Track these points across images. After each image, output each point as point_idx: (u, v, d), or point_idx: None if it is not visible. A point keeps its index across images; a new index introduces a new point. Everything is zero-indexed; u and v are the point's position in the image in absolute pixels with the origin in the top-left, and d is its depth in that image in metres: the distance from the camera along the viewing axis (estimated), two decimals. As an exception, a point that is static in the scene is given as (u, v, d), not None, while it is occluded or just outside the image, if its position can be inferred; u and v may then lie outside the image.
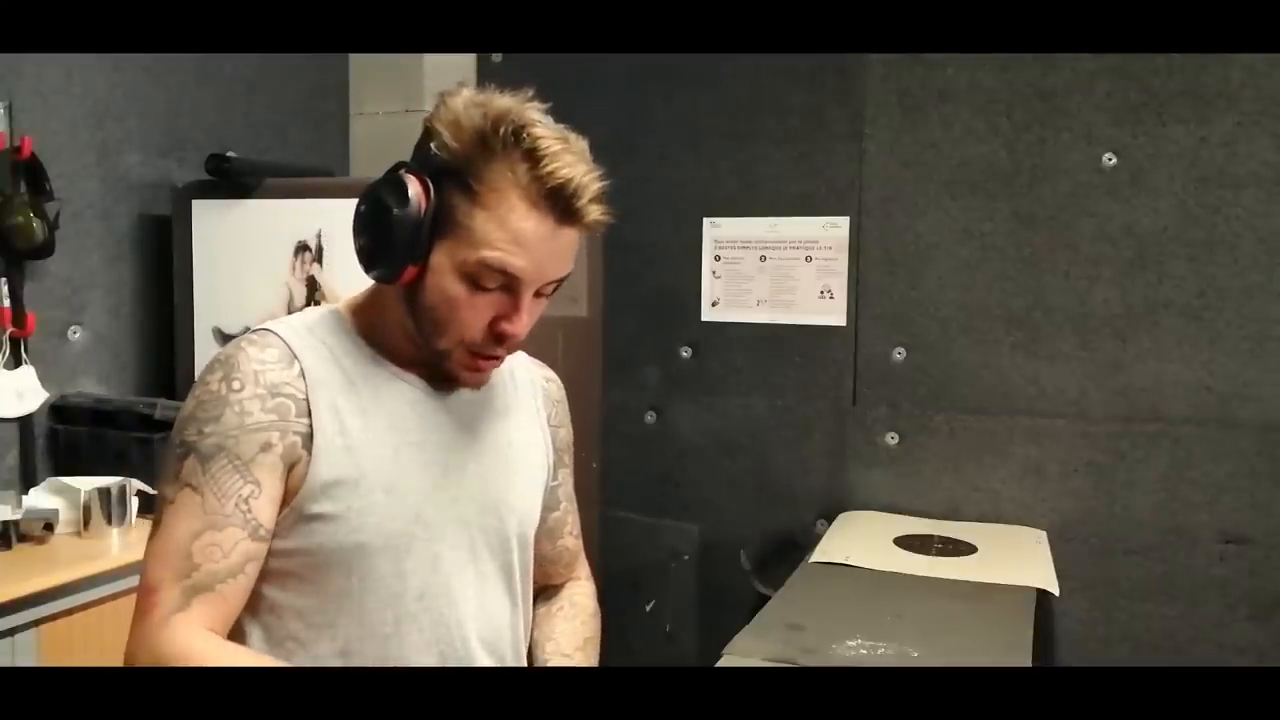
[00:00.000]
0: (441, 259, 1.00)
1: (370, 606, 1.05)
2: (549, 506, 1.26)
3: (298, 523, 1.02)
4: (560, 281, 1.04)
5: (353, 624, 1.05)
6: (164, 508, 1.00)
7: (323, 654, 1.04)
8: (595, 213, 1.00)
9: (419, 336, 1.05)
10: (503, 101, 0.99)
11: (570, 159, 0.97)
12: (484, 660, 1.13)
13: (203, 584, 0.97)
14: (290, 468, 1.01)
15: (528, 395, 1.22)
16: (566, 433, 1.29)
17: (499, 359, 1.07)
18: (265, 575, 1.03)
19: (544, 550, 1.28)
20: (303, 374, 1.03)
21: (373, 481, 1.04)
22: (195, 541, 0.97)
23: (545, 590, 1.32)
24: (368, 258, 1.03)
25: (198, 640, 0.97)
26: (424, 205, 0.98)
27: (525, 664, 1.21)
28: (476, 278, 0.99)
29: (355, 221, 1.03)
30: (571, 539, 1.33)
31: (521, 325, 1.02)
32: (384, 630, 1.06)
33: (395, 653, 1.06)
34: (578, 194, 0.97)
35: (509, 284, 1.00)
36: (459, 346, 1.03)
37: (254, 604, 1.04)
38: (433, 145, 0.99)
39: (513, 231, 0.97)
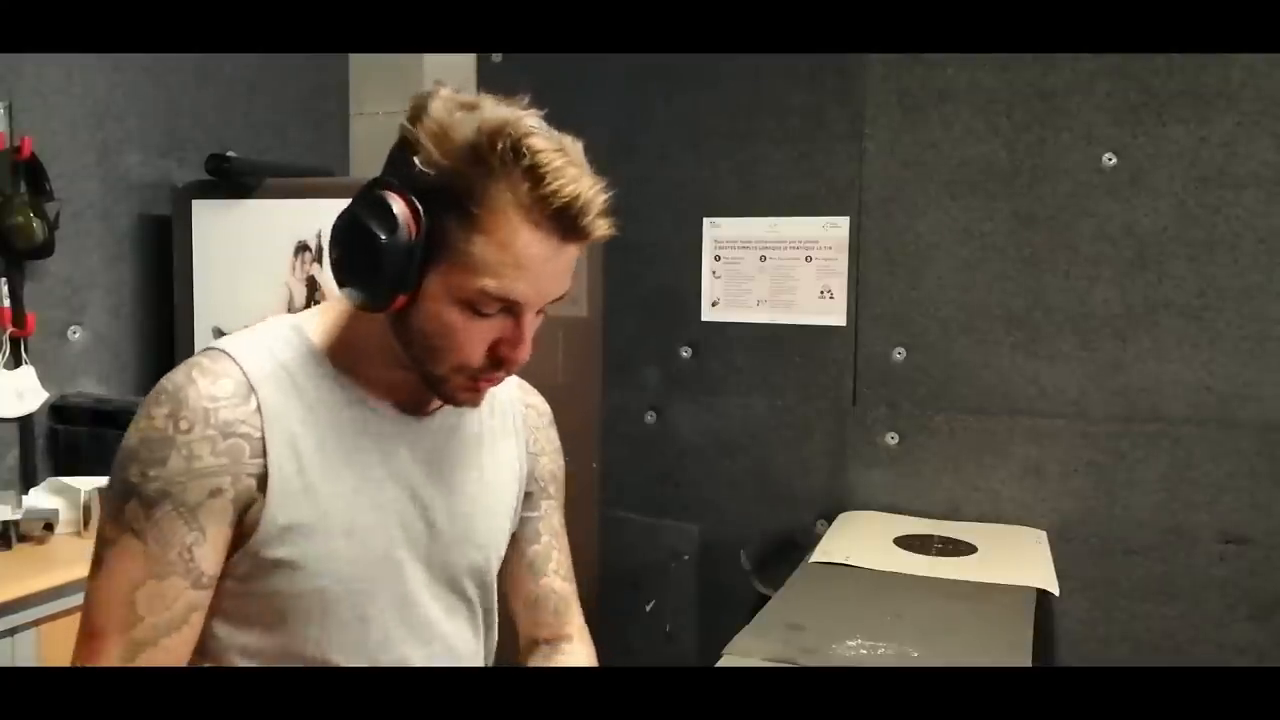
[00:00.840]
0: (436, 286, 0.92)
1: (331, 653, 1.00)
2: (528, 539, 1.20)
3: (255, 567, 0.96)
4: (558, 300, 0.99)
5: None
6: (104, 549, 0.94)
7: None
8: (602, 227, 0.93)
9: (409, 362, 0.98)
10: (498, 112, 0.91)
11: (573, 173, 0.90)
12: None
13: (146, 638, 0.93)
14: (244, 510, 0.95)
15: (505, 418, 1.16)
16: (550, 462, 1.21)
17: (499, 379, 1.00)
18: (221, 614, 0.98)
19: (527, 590, 1.20)
20: (259, 409, 0.94)
21: (332, 525, 0.97)
22: (138, 591, 0.92)
23: (536, 648, 1.23)
24: (355, 288, 0.94)
25: None
26: (414, 231, 0.90)
27: None
28: (476, 305, 0.92)
29: (335, 247, 0.95)
30: (559, 580, 1.22)
31: (525, 351, 0.96)
32: None
33: None
34: (584, 211, 0.90)
35: (510, 308, 0.93)
36: (456, 372, 0.96)
37: (208, 646, 0.99)
38: (417, 160, 0.90)
39: (516, 256, 0.90)
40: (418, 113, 0.92)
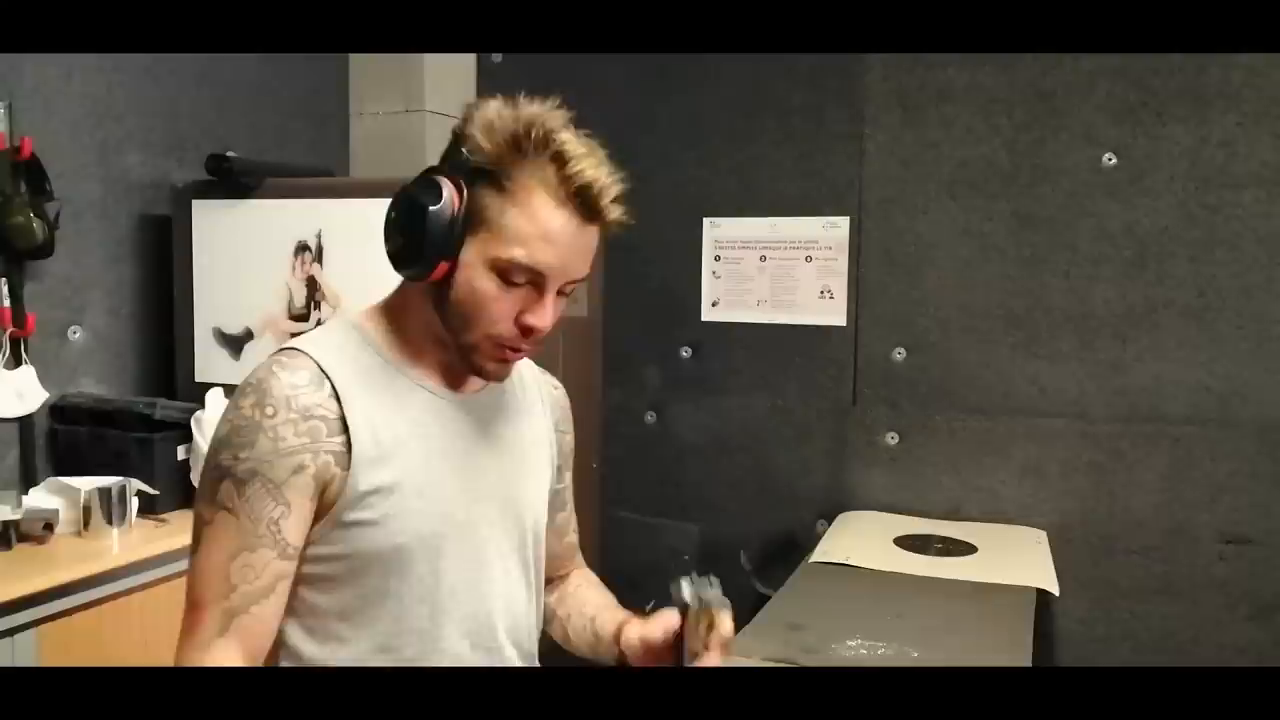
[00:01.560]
0: (472, 255, 1.06)
1: (409, 603, 1.12)
2: (557, 507, 1.35)
3: (337, 529, 1.08)
4: (579, 282, 1.11)
5: (391, 620, 1.11)
6: (202, 528, 1.07)
7: (364, 649, 1.11)
8: (616, 212, 1.07)
9: (446, 331, 1.11)
10: (533, 108, 1.06)
11: (593, 161, 1.05)
12: (509, 649, 1.20)
13: (239, 606, 1.04)
14: (325, 485, 1.07)
15: (535, 398, 1.29)
16: (571, 439, 1.37)
17: (523, 352, 1.13)
18: (306, 581, 1.10)
19: (554, 548, 1.36)
20: (335, 394, 1.08)
21: (406, 488, 1.10)
22: (232, 563, 1.04)
23: (553, 581, 1.40)
24: (402, 257, 1.09)
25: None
26: (457, 202, 1.05)
27: (537, 653, 1.27)
28: (506, 273, 1.06)
29: (388, 225, 1.10)
30: (574, 535, 1.43)
31: (547, 319, 1.09)
32: (421, 625, 1.13)
33: (432, 645, 1.13)
34: (601, 194, 1.05)
35: (535, 280, 1.07)
36: (486, 340, 1.10)
37: (296, 608, 1.11)
38: (464, 149, 1.06)
39: (542, 227, 1.05)
40: (469, 114, 1.08)
